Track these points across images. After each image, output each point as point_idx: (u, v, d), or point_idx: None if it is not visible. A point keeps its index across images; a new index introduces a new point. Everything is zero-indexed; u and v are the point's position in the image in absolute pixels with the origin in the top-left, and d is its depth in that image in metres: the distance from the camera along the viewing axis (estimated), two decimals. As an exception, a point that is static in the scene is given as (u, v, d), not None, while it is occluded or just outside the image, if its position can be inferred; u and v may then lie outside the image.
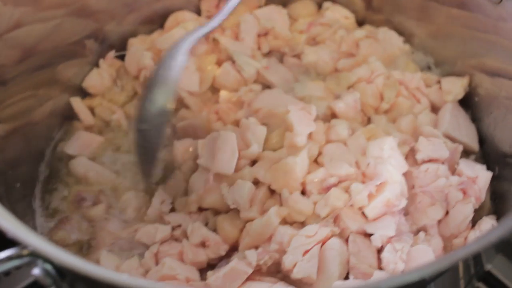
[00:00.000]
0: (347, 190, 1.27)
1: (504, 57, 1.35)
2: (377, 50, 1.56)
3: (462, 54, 1.50)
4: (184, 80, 1.47)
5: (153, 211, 1.33)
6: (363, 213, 1.26)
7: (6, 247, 0.93)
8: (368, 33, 1.59)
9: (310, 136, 1.34)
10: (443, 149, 1.33)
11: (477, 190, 1.29)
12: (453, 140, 1.39)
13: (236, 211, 1.28)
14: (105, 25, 1.53)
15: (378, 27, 1.63)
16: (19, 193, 1.33)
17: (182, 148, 1.39)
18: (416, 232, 1.26)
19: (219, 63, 1.54)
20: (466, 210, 1.27)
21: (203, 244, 1.25)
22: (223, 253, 1.25)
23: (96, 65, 1.54)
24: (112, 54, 1.55)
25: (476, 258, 1.19)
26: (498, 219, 1.29)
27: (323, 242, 1.20)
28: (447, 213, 1.29)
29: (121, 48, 1.57)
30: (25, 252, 0.92)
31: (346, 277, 1.19)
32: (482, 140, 1.45)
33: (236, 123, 1.40)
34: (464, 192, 1.28)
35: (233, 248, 1.27)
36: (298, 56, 1.57)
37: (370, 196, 1.25)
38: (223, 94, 1.49)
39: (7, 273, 1.29)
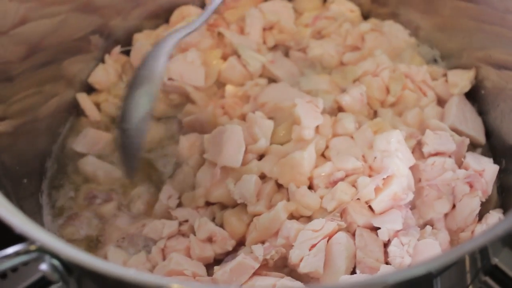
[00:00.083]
0: (354, 184, 1.27)
1: (510, 49, 1.35)
2: (382, 43, 1.55)
3: (469, 46, 1.49)
4: (189, 75, 1.47)
5: (160, 206, 1.33)
6: (370, 207, 1.25)
7: (13, 243, 0.93)
8: (373, 26, 1.58)
9: (317, 129, 1.34)
10: (449, 142, 1.33)
11: (483, 183, 1.28)
12: (459, 133, 1.38)
13: (243, 205, 1.28)
14: (111, 20, 1.53)
15: (384, 20, 1.62)
16: (26, 189, 1.34)
17: (188, 143, 1.40)
18: (423, 226, 1.26)
19: (224, 58, 1.54)
20: (472, 204, 1.26)
21: (210, 239, 1.25)
22: (230, 248, 1.25)
23: (102, 60, 1.55)
24: (117, 49, 1.56)
25: (483, 252, 1.18)
26: (505, 212, 1.29)
27: (330, 236, 1.20)
28: (453, 206, 1.29)
29: (126, 43, 1.58)
30: (32, 247, 0.93)
31: (353, 271, 1.19)
32: (488, 133, 1.45)
33: (242, 118, 1.40)
34: (471, 186, 1.28)
35: (240, 243, 1.27)
36: (303, 50, 1.57)
37: (377, 190, 1.24)
38: (229, 88, 1.49)
39: (14, 269, 1.30)
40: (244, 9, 1.60)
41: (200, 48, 1.52)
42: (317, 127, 1.34)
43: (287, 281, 1.16)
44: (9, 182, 1.25)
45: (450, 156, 1.32)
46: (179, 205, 1.34)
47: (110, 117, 1.50)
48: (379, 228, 1.22)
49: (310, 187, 1.29)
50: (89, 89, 1.54)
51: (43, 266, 0.95)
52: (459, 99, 1.45)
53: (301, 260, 1.17)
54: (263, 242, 1.23)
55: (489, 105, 1.45)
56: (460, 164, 1.33)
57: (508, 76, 1.37)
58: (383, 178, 1.24)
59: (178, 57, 1.49)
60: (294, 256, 1.17)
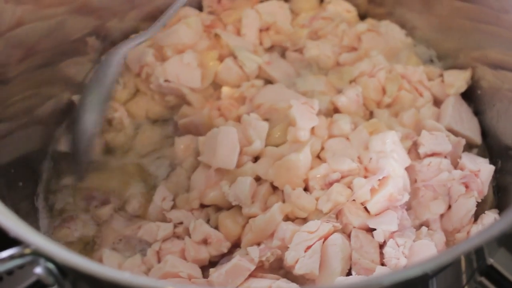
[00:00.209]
0: (349, 185, 1.27)
1: (506, 49, 1.35)
2: (379, 44, 1.55)
3: (465, 46, 1.49)
4: (186, 76, 1.47)
5: (155, 208, 1.33)
6: (365, 208, 1.25)
7: (9, 246, 0.93)
8: (370, 27, 1.58)
9: (312, 131, 1.34)
10: (445, 142, 1.33)
11: (479, 183, 1.28)
12: (455, 133, 1.38)
13: (238, 208, 1.28)
14: (107, 22, 1.53)
15: (380, 21, 1.62)
16: (22, 192, 1.34)
17: (183, 145, 1.40)
18: (419, 227, 1.26)
19: (220, 59, 1.53)
20: (468, 204, 1.26)
21: (205, 241, 1.25)
22: (225, 250, 1.25)
23: (98, 62, 1.54)
24: (114, 51, 1.55)
25: (479, 252, 1.19)
26: (500, 212, 1.28)
27: (325, 238, 1.20)
28: (449, 207, 1.29)
29: (123, 45, 1.57)
30: (27, 251, 0.93)
31: (349, 273, 1.19)
32: (485, 133, 1.45)
33: (238, 119, 1.40)
34: (467, 186, 1.28)
35: (235, 245, 1.27)
36: (300, 50, 1.57)
37: (373, 191, 1.24)
38: (225, 90, 1.48)
39: (10, 272, 1.30)
40: (241, 10, 1.60)
41: (197, 50, 1.52)
42: (313, 128, 1.34)
43: (283, 283, 1.16)
44: (4, 184, 1.25)
45: (446, 157, 1.32)
46: (174, 207, 1.34)
47: (106, 120, 1.49)
48: (374, 229, 1.22)
49: (306, 189, 1.29)
50: (86, 92, 1.54)
51: (38, 270, 0.95)
52: (455, 99, 1.45)
53: (296, 262, 1.17)
54: (258, 244, 1.23)
55: (485, 105, 1.45)
56: (456, 165, 1.33)
57: (504, 76, 1.37)
58: (379, 179, 1.24)
59: (174, 59, 1.48)
60: (289, 258, 1.17)
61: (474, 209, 1.27)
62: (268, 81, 1.51)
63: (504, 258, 1.29)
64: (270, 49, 1.60)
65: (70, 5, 1.40)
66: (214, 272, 1.17)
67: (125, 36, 1.57)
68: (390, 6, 1.64)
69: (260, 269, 1.20)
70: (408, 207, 1.28)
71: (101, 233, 1.34)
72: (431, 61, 1.59)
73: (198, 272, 1.22)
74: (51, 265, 0.95)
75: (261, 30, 1.59)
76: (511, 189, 1.31)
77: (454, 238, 1.26)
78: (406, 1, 1.60)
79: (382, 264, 1.19)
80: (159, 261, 1.24)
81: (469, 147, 1.42)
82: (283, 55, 1.59)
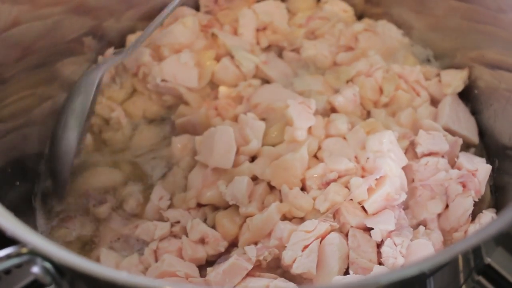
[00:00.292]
0: (346, 185, 1.27)
1: (503, 49, 1.35)
2: (376, 44, 1.55)
3: (462, 46, 1.49)
4: (183, 76, 1.47)
5: (152, 207, 1.33)
6: (363, 208, 1.25)
7: (6, 245, 0.93)
8: (367, 26, 1.58)
9: (309, 130, 1.34)
10: (443, 142, 1.33)
11: (476, 183, 1.28)
12: (452, 133, 1.38)
13: (235, 207, 1.28)
14: (104, 22, 1.53)
15: (377, 20, 1.62)
16: (19, 191, 1.34)
17: (180, 145, 1.40)
18: (416, 226, 1.26)
19: (217, 59, 1.53)
20: (466, 204, 1.26)
21: (202, 241, 1.25)
22: (222, 249, 1.25)
23: (95, 62, 1.54)
24: (110, 51, 1.55)
25: (476, 251, 1.19)
26: (498, 212, 1.29)
27: (323, 237, 1.20)
28: (447, 206, 1.29)
29: (119, 44, 1.57)
30: (24, 250, 0.93)
31: (346, 272, 1.19)
32: (482, 132, 1.45)
33: (235, 119, 1.40)
34: (464, 186, 1.28)
35: (232, 245, 1.27)
36: (297, 50, 1.57)
37: (370, 190, 1.24)
38: (222, 89, 1.48)
39: (7, 272, 1.30)
40: (237, 10, 1.60)
41: (194, 49, 1.52)
42: (310, 128, 1.34)
43: (280, 282, 1.16)
44: (1, 184, 1.25)
45: (443, 156, 1.33)
46: (171, 206, 1.34)
47: (104, 119, 1.49)
48: (372, 229, 1.22)
49: (303, 189, 1.29)
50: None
51: (35, 269, 0.95)
52: (452, 99, 1.45)
53: (294, 261, 1.17)
54: (256, 243, 1.23)
55: (482, 104, 1.45)
56: (453, 164, 1.33)
57: (501, 75, 1.37)
58: (376, 179, 1.24)
59: (171, 58, 1.48)
60: (287, 257, 1.17)
61: (471, 208, 1.27)
62: (265, 81, 1.51)
63: (501, 257, 1.29)
64: (267, 48, 1.60)
65: (66, 5, 1.39)
66: (211, 271, 1.17)
67: (122, 36, 1.58)
68: (387, 6, 1.64)
69: (258, 269, 1.20)
70: (406, 206, 1.29)
71: (99, 232, 1.34)
72: (428, 60, 1.59)
73: (195, 271, 1.22)
74: (48, 265, 0.95)
75: (258, 30, 1.59)
76: (508, 189, 1.31)
77: (451, 237, 1.26)
78: (403, 1, 1.60)
79: (380, 264, 1.19)
80: (156, 260, 1.24)
81: (466, 146, 1.42)
82: (280, 54, 1.59)
